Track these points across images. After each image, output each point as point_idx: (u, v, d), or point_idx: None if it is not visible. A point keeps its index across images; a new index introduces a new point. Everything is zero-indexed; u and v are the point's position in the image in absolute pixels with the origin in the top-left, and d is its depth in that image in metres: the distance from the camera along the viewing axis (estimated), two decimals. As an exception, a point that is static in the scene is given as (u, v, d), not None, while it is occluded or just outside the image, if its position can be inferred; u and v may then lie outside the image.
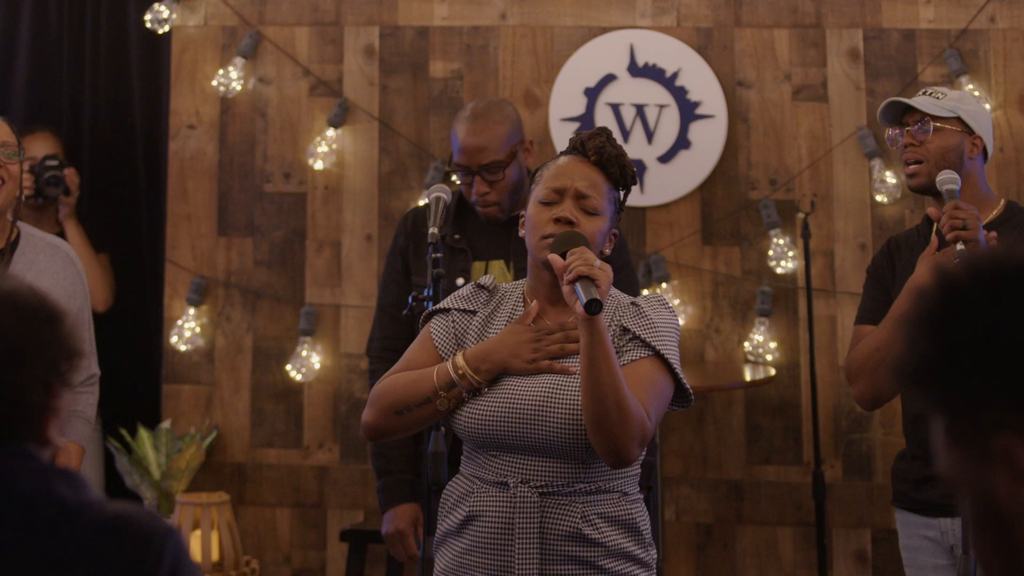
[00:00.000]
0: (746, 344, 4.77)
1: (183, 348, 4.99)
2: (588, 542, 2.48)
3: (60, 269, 3.32)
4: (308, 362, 4.89)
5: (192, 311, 4.99)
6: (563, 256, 2.45)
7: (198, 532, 4.63)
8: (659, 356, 2.52)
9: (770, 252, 4.76)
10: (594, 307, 2.34)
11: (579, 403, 2.45)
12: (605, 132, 2.62)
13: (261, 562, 4.94)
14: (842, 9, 4.83)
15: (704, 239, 4.86)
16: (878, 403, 3.27)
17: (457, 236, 3.51)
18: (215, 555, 4.64)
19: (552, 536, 2.48)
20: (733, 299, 4.84)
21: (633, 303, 2.58)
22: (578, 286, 2.37)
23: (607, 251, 2.62)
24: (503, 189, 3.49)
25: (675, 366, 2.53)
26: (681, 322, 4.77)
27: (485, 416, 2.52)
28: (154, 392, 5.08)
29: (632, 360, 2.51)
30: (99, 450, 4.87)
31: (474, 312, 2.64)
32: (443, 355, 2.60)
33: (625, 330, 2.54)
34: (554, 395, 2.49)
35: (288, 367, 4.92)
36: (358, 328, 4.94)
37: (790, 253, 4.75)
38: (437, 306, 2.70)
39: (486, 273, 3.33)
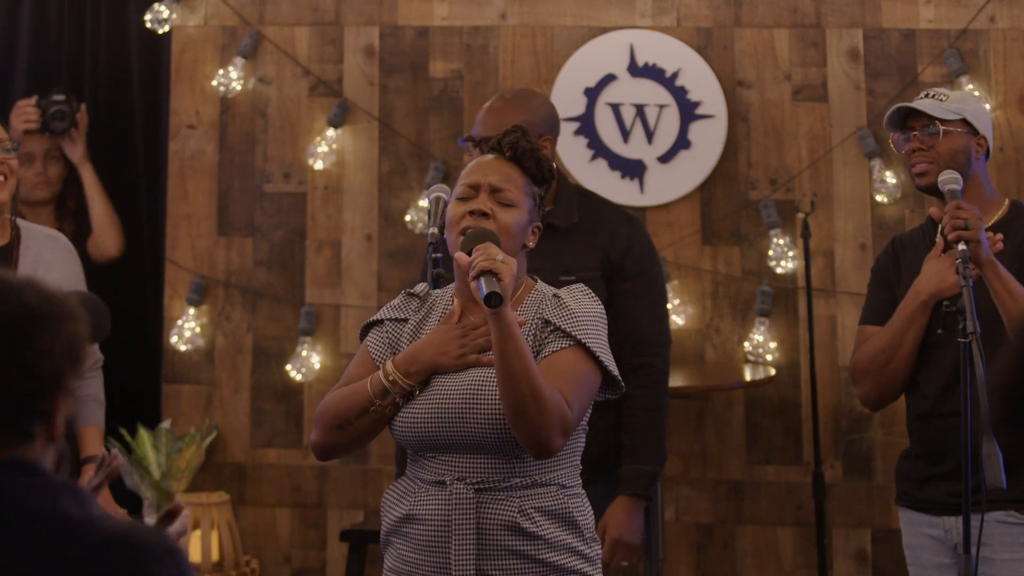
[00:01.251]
0: (746, 344, 4.77)
1: (183, 348, 4.99)
2: (526, 535, 2.49)
3: (63, 260, 3.35)
4: (308, 362, 4.89)
5: (192, 311, 4.99)
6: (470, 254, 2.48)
7: (198, 532, 4.63)
8: (581, 345, 2.53)
9: (770, 252, 4.76)
10: (494, 300, 2.37)
11: None
12: (520, 129, 2.66)
13: (261, 562, 4.94)
14: (842, 9, 4.83)
15: (704, 239, 4.86)
16: (883, 403, 3.27)
17: None
18: (215, 555, 4.65)
19: (489, 530, 2.49)
20: (733, 299, 4.84)
21: (555, 295, 2.61)
22: (481, 281, 2.40)
23: (531, 243, 2.64)
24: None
25: (598, 354, 2.54)
26: (681, 322, 4.78)
27: (416, 419, 2.54)
28: (154, 392, 5.08)
29: (553, 351, 2.53)
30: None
31: (405, 320, 2.67)
32: (380, 366, 2.62)
33: (547, 322, 2.56)
34: (478, 392, 2.52)
35: (288, 367, 4.92)
36: (358, 328, 4.91)
37: (790, 253, 4.75)
38: (371, 318, 2.73)
39: None
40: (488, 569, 2.48)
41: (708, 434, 4.81)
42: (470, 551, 2.47)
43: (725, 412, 4.81)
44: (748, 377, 4.59)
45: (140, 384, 5.11)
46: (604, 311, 2.64)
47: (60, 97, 4.79)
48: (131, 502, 4.92)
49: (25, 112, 4.83)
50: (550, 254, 3.31)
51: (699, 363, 4.81)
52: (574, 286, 2.66)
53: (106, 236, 4.80)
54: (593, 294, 2.64)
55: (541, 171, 2.64)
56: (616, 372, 2.58)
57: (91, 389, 3.38)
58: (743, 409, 4.80)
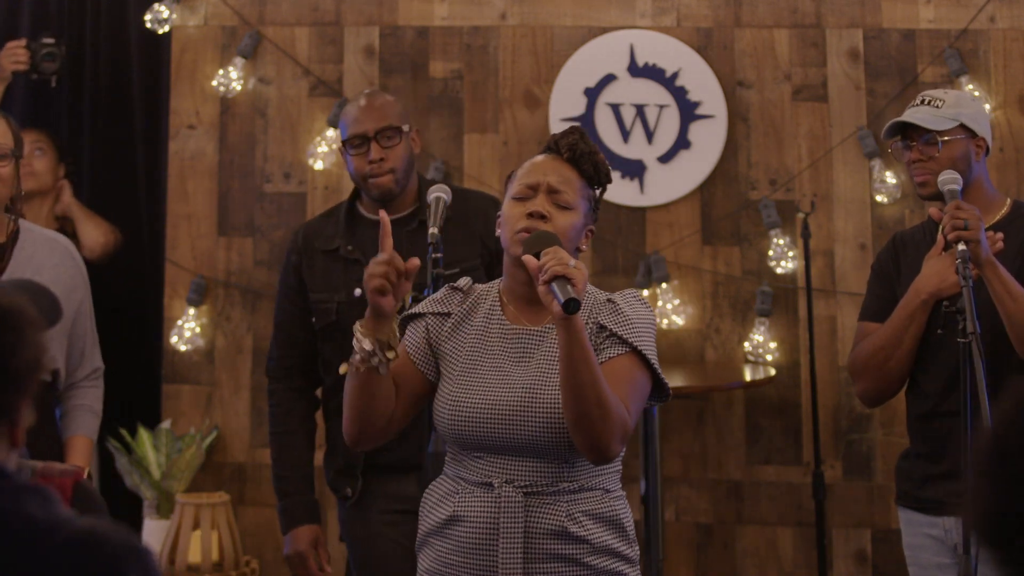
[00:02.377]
0: (746, 344, 4.77)
1: (183, 348, 4.99)
2: (573, 539, 2.48)
3: (59, 263, 3.31)
4: (308, 362, 4.89)
5: (192, 311, 4.99)
6: (537, 256, 2.44)
7: (198, 532, 4.63)
8: (636, 352, 2.52)
9: (770, 252, 4.77)
10: (572, 306, 2.34)
11: (559, 402, 2.45)
12: (578, 130, 2.64)
13: (261, 562, 4.94)
14: (842, 9, 4.83)
15: (704, 239, 4.86)
16: (881, 400, 3.28)
17: (350, 247, 3.48)
18: (215, 555, 4.64)
19: (536, 535, 2.48)
20: (733, 299, 4.84)
21: (609, 299, 2.59)
22: (554, 286, 2.36)
23: (583, 247, 2.62)
24: (398, 157, 3.47)
25: (652, 361, 2.53)
26: (681, 322, 4.78)
27: (468, 418, 2.52)
28: (154, 392, 5.08)
29: (610, 357, 2.51)
30: (97, 450, 4.87)
31: (448, 314, 2.64)
32: (415, 360, 2.60)
33: (602, 327, 2.54)
34: (536, 395, 2.50)
35: (288, 367, 4.92)
36: (358, 328, 4.93)
37: (790, 253, 4.75)
38: (412, 310, 2.69)
39: None
40: (533, 573, 2.47)
41: (708, 434, 4.81)
42: (517, 555, 2.46)
43: (725, 412, 4.81)
44: (748, 377, 4.59)
45: (140, 384, 5.11)
46: (655, 318, 2.63)
47: (50, 40, 4.82)
48: (131, 502, 4.92)
49: (15, 53, 4.84)
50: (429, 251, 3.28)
51: (699, 363, 4.81)
52: (627, 291, 2.64)
53: (87, 237, 4.79)
54: (646, 300, 2.62)
55: (598, 174, 2.61)
56: (665, 379, 2.57)
57: (87, 399, 3.34)
58: (743, 409, 4.80)
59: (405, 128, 3.49)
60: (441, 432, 2.59)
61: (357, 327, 2.47)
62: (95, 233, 4.79)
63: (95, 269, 4.80)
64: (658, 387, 2.58)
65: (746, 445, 4.80)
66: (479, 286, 2.69)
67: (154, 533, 4.68)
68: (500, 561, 2.46)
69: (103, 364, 3.43)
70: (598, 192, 2.64)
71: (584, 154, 2.59)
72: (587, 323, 2.54)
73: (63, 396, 3.32)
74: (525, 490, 2.49)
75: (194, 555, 4.62)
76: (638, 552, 2.60)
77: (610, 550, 2.52)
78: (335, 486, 3.59)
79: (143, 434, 4.79)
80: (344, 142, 3.50)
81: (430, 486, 2.64)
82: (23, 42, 4.86)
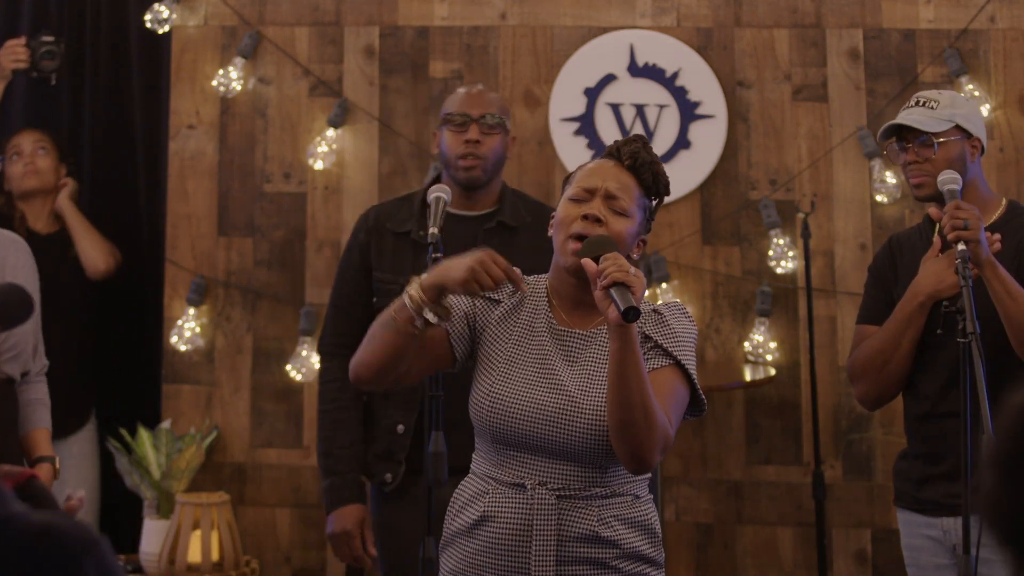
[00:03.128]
0: (746, 344, 4.77)
1: (183, 348, 4.98)
2: (603, 543, 2.49)
3: (25, 264, 3.37)
4: (308, 362, 4.89)
5: (192, 311, 4.99)
6: (595, 261, 2.43)
7: (198, 532, 4.63)
8: (679, 365, 2.52)
9: (770, 252, 4.77)
10: (631, 315, 2.31)
11: (604, 409, 2.44)
12: (641, 139, 2.63)
13: (261, 562, 4.94)
14: (842, 9, 4.83)
15: (704, 239, 4.86)
16: (880, 403, 3.28)
17: (423, 233, 3.47)
18: (215, 555, 4.64)
19: (568, 538, 2.48)
20: (733, 299, 4.84)
21: (655, 310, 2.58)
22: (614, 292, 2.34)
23: (635, 255, 2.61)
24: (491, 149, 3.50)
25: (693, 376, 2.54)
26: (681, 322, 4.78)
27: (509, 415, 2.51)
28: (154, 392, 5.08)
29: (654, 368, 2.50)
30: (97, 450, 4.87)
31: (499, 301, 2.63)
32: (450, 333, 2.57)
33: (647, 338, 2.53)
34: (580, 399, 2.49)
35: (288, 367, 4.92)
36: (358, 328, 4.94)
37: (790, 253, 4.75)
38: None
39: None
40: (564, 574, 2.47)
41: (708, 434, 4.81)
42: (550, 557, 2.46)
43: (725, 412, 4.81)
44: (748, 377, 4.59)
45: (140, 384, 5.11)
46: (697, 332, 2.63)
47: (50, 38, 4.82)
48: (131, 502, 4.92)
49: (15, 51, 4.84)
50: (501, 252, 3.28)
51: (699, 363, 4.79)
52: (672, 303, 2.65)
53: (87, 258, 4.80)
54: (689, 313, 2.63)
55: (657, 185, 2.61)
56: (702, 394, 2.57)
57: (38, 393, 3.38)
58: (743, 409, 4.80)
59: (507, 126, 3.53)
60: (476, 425, 2.58)
61: (415, 282, 2.47)
62: (95, 256, 4.80)
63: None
64: (695, 401, 2.58)
65: (746, 445, 4.80)
66: (530, 278, 2.67)
67: (154, 533, 4.68)
68: (533, 563, 2.46)
69: (48, 362, 3.45)
70: (654, 203, 2.63)
71: (645, 163, 2.59)
72: None
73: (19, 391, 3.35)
74: (558, 493, 2.49)
75: (194, 555, 4.62)
76: (664, 556, 2.60)
77: (639, 554, 2.53)
78: (372, 471, 3.57)
79: (143, 434, 4.79)
80: (444, 118, 3.52)
81: (459, 486, 2.63)
82: (22, 40, 4.86)
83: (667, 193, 2.64)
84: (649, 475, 2.59)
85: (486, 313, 2.61)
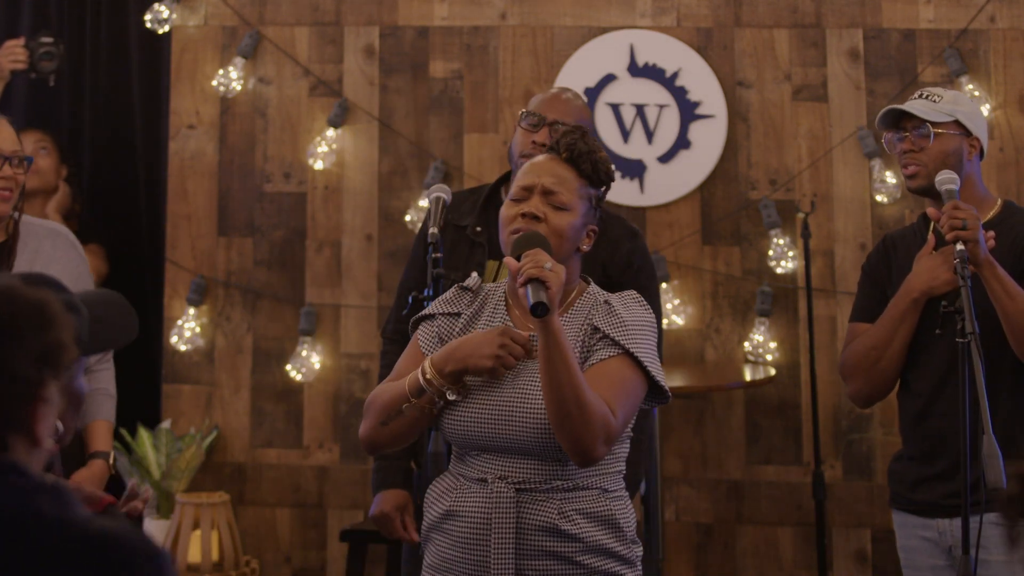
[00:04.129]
0: (746, 344, 4.77)
1: (183, 348, 4.99)
2: (564, 536, 2.48)
3: (63, 255, 3.31)
4: (308, 362, 4.89)
5: (192, 311, 4.99)
6: (519, 259, 2.46)
7: (198, 532, 4.63)
8: (628, 354, 2.51)
9: (770, 252, 4.77)
10: (539, 310, 2.36)
11: None
12: (579, 130, 2.64)
13: (261, 562, 4.94)
14: (842, 9, 4.83)
15: (704, 239, 4.86)
16: (872, 401, 3.28)
17: (479, 229, 3.48)
18: (215, 555, 4.65)
19: (528, 531, 2.48)
20: (733, 299, 4.84)
21: (606, 301, 2.59)
22: (528, 288, 2.38)
23: (584, 247, 2.61)
24: None
25: (645, 363, 2.52)
26: (681, 322, 4.78)
27: (463, 418, 2.53)
28: (154, 392, 5.08)
29: (601, 359, 2.51)
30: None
31: (458, 314, 2.65)
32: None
33: (596, 329, 2.54)
34: (526, 396, 2.51)
35: (288, 367, 4.92)
36: (358, 328, 4.94)
37: (790, 253, 4.75)
38: (422, 312, 2.70)
39: (498, 272, 3.32)
40: (525, 569, 2.47)
41: (708, 434, 4.81)
42: (509, 550, 2.47)
43: (725, 412, 4.81)
44: (748, 377, 4.59)
45: (140, 384, 5.11)
46: (655, 319, 2.63)
47: (48, 39, 4.81)
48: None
49: (14, 52, 4.84)
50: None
51: (699, 363, 4.81)
52: (625, 292, 2.64)
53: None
54: (644, 301, 2.62)
55: (598, 173, 2.61)
56: (663, 381, 2.56)
57: (100, 382, 3.36)
58: (743, 409, 4.80)
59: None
60: (441, 430, 2.60)
61: (428, 364, 2.52)
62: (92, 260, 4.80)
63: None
64: (657, 389, 2.57)
65: (746, 445, 4.80)
66: (488, 285, 2.70)
67: (154, 533, 4.68)
68: (492, 556, 2.46)
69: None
70: (601, 191, 2.64)
71: (582, 153, 2.59)
72: (583, 324, 2.55)
73: None
74: (518, 486, 2.49)
75: (194, 555, 4.62)
76: (639, 553, 2.58)
77: (604, 549, 2.51)
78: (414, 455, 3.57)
79: (143, 434, 4.79)
80: (522, 115, 3.53)
81: (433, 483, 2.65)
82: (21, 41, 4.86)
83: (611, 180, 2.64)
84: (621, 469, 2.59)
85: (449, 329, 2.64)
